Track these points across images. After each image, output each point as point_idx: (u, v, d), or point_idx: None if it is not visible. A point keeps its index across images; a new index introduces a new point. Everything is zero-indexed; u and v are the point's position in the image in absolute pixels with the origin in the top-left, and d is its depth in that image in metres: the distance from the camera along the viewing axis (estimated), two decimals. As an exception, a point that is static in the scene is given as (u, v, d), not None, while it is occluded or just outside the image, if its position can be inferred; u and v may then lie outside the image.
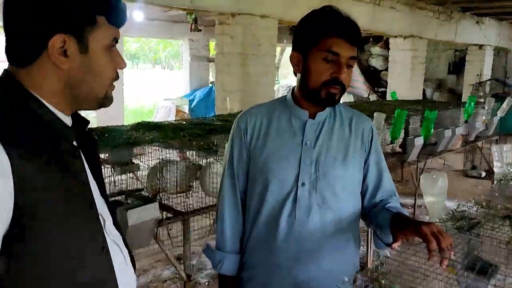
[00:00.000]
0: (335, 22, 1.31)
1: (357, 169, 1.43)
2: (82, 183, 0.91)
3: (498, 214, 1.44)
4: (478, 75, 10.03)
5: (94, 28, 0.86)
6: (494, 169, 2.22)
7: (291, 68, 1.43)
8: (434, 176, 1.55)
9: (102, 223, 0.95)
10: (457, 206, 1.61)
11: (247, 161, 1.43)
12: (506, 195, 1.73)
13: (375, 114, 3.66)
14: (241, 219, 1.47)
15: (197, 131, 3.24)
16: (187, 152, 3.06)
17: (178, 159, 2.83)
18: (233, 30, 4.58)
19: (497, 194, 1.73)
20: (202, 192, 2.94)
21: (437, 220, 1.55)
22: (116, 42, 0.93)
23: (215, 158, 2.92)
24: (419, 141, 4.01)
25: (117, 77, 0.95)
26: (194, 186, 2.99)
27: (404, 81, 7.79)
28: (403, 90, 7.47)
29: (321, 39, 1.30)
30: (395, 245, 1.21)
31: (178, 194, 2.81)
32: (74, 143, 0.92)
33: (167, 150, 2.98)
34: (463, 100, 10.14)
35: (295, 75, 1.42)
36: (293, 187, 1.36)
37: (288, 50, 11.31)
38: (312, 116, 1.40)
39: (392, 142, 3.88)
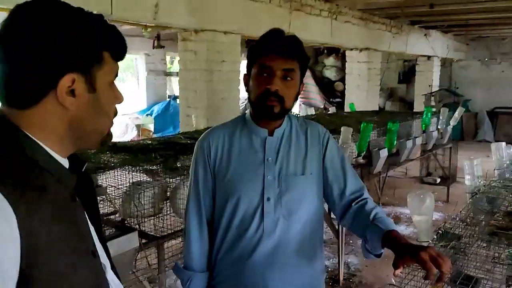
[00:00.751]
0: (268, 40, 1.42)
1: (316, 176, 1.51)
2: (84, 231, 0.86)
3: (486, 232, 1.49)
4: (430, 85, 10.49)
5: (101, 65, 0.83)
6: (465, 182, 2.31)
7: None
8: (421, 196, 1.58)
9: (104, 270, 0.90)
10: (443, 225, 1.65)
11: (213, 181, 1.49)
12: (485, 209, 1.79)
13: (342, 129, 3.72)
14: (207, 238, 1.52)
15: (167, 151, 3.17)
16: (158, 174, 2.99)
17: (149, 181, 2.74)
18: (197, 47, 4.55)
19: (478, 208, 1.80)
20: (174, 214, 2.89)
21: (427, 240, 1.58)
22: (116, 76, 0.89)
23: (186, 179, 2.87)
24: (384, 153, 4.13)
25: (116, 112, 0.91)
26: (165, 209, 2.92)
27: (361, 92, 8.01)
28: (360, 101, 7.68)
29: (257, 57, 1.41)
30: (397, 272, 1.22)
31: (150, 218, 2.73)
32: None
33: (135, 172, 2.89)
34: (415, 109, 10.58)
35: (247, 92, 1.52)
36: (260, 202, 1.43)
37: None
38: (271, 133, 1.48)
39: (359, 155, 3.96)
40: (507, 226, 1.54)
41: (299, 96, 1.54)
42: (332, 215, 4.00)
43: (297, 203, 1.46)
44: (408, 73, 13.56)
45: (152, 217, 2.74)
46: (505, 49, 12.63)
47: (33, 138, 0.79)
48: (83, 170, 0.92)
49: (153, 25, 4.25)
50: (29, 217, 0.72)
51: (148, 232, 2.64)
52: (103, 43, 0.82)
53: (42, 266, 0.73)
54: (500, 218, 1.65)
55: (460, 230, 1.60)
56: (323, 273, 1.59)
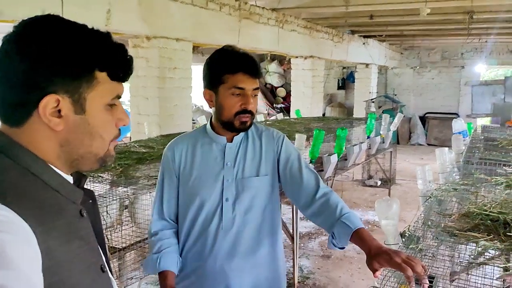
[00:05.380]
0: (236, 61, 1.54)
1: (271, 176, 1.64)
2: (94, 247, 0.87)
3: (446, 233, 1.62)
4: (370, 92, 10.99)
5: (93, 86, 0.79)
6: (418, 186, 2.48)
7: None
8: (388, 202, 1.69)
9: (112, 284, 0.91)
10: (408, 228, 1.78)
11: (177, 186, 1.64)
12: (441, 212, 1.95)
13: (296, 136, 3.83)
14: (168, 234, 1.64)
15: (125, 160, 3.12)
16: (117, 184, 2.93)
17: (111, 192, 2.69)
18: (149, 53, 4.49)
19: (434, 211, 1.94)
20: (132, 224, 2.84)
21: (395, 243, 1.70)
22: (119, 98, 0.86)
23: (146, 188, 2.84)
24: (334, 159, 4.29)
25: (119, 134, 0.88)
26: (124, 219, 2.87)
27: (306, 98, 8.24)
28: (304, 108, 7.90)
29: (227, 77, 1.52)
30: (378, 274, 1.31)
31: (110, 228, 2.68)
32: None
33: (94, 183, 2.82)
34: (354, 115, 11.03)
35: (210, 107, 1.63)
36: (219, 202, 1.59)
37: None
38: (230, 140, 1.63)
39: (311, 162, 4.09)
40: (464, 227, 1.69)
41: None
42: (285, 219, 4.11)
43: (251, 202, 1.61)
44: (346, 80, 14.13)
45: (112, 228, 2.69)
46: (435, 58, 13.52)
47: (36, 155, 0.78)
48: (83, 184, 0.92)
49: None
50: (46, 237, 0.72)
51: (109, 244, 2.58)
52: (95, 63, 0.79)
53: (60, 285, 0.74)
54: (456, 220, 1.80)
55: (423, 233, 1.73)
56: (284, 269, 1.74)
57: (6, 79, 0.75)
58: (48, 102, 0.75)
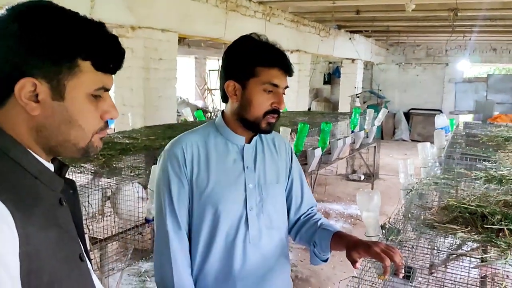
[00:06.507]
0: (274, 54, 1.36)
1: (284, 186, 1.53)
2: (73, 235, 0.86)
3: (426, 225, 1.65)
4: (355, 87, 11.05)
5: (74, 74, 0.78)
6: (400, 179, 2.51)
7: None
8: (370, 194, 1.71)
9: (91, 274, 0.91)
10: (388, 221, 1.80)
11: (190, 194, 1.38)
12: (421, 205, 1.97)
13: (281, 129, 3.84)
14: (189, 256, 1.40)
15: (108, 151, 3.09)
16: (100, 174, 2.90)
17: (93, 182, 2.67)
18: (134, 44, 4.44)
19: (415, 204, 1.97)
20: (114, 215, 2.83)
21: (376, 235, 1.72)
22: (106, 90, 0.83)
23: (130, 179, 2.82)
24: (318, 153, 4.31)
25: (105, 126, 0.86)
26: (106, 210, 2.85)
27: (292, 93, 8.24)
28: (290, 102, 7.91)
29: (260, 71, 1.34)
30: (358, 265, 1.32)
31: (92, 219, 2.66)
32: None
33: (76, 173, 2.79)
34: (340, 109, 11.09)
35: (224, 101, 1.44)
36: (243, 211, 1.39)
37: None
38: (248, 141, 1.44)
39: (296, 155, 4.11)
40: (443, 219, 1.72)
41: None
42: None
43: (276, 212, 1.46)
44: (332, 75, 14.19)
45: (94, 219, 2.68)
46: (420, 55, 13.67)
47: (16, 140, 0.77)
48: (64, 174, 0.91)
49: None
50: (25, 223, 0.71)
51: (90, 235, 2.56)
52: (78, 51, 0.78)
53: (38, 272, 0.73)
54: (436, 213, 1.82)
55: (403, 225, 1.76)
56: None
57: None
58: (25, 85, 0.75)
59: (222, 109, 1.48)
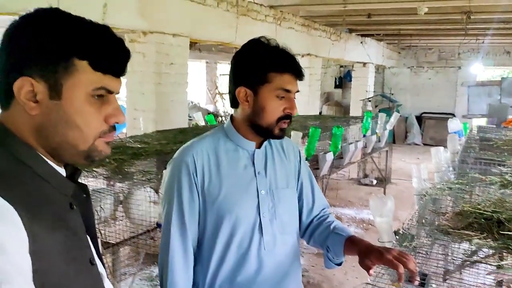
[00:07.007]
0: (285, 59, 1.34)
1: (295, 190, 1.52)
2: (83, 239, 0.86)
3: (441, 231, 1.63)
4: (367, 91, 11.00)
5: (70, 74, 0.77)
6: (413, 184, 2.48)
7: None
8: (383, 199, 1.69)
9: (102, 279, 0.91)
10: (402, 226, 1.78)
11: (201, 203, 1.35)
12: (435, 210, 1.95)
13: (292, 133, 3.83)
14: (192, 271, 1.37)
15: (120, 156, 3.10)
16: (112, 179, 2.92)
17: (106, 187, 2.68)
18: (145, 49, 4.47)
19: (429, 210, 1.95)
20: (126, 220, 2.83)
21: (389, 241, 1.70)
22: (109, 92, 0.82)
23: (141, 184, 2.83)
24: (330, 157, 4.29)
25: (111, 129, 0.84)
26: (118, 215, 2.86)
27: (302, 97, 8.22)
28: (301, 106, 7.89)
29: (273, 76, 1.32)
30: (371, 272, 1.31)
31: (104, 224, 2.67)
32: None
33: (89, 177, 2.81)
34: (351, 113, 11.04)
35: (233, 106, 1.42)
36: (256, 218, 1.37)
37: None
38: (258, 146, 1.43)
39: (307, 159, 4.09)
40: (458, 225, 1.69)
41: None
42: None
43: (289, 217, 1.45)
44: (343, 79, 14.15)
45: (107, 223, 2.68)
46: (432, 58, 13.56)
47: (27, 143, 0.78)
48: (77, 178, 0.91)
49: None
50: (32, 224, 0.72)
51: (102, 239, 2.57)
52: (73, 51, 0.77)
53: (45, 273, 0.73)
54: (450, 218, 1.80)
55: (417, 231, 1.73)
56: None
57: None
58: (23, 85, 0.76)
59: (231, 114, 1.47)
